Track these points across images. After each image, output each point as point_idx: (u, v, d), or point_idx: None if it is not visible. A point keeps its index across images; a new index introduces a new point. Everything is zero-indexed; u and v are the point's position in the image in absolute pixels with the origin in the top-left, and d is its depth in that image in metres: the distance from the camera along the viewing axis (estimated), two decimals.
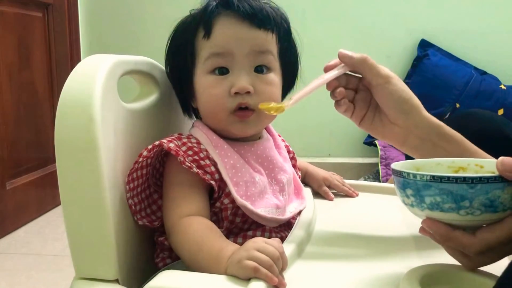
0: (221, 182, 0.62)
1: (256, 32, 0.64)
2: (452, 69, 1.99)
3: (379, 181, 1.85)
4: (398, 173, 0.49)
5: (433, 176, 0.46)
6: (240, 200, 0.61)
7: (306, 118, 2.13)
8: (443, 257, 0.51)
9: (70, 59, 2.04)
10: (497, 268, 0.46)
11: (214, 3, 0.64)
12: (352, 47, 0.64)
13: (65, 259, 1.42)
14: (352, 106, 0.65)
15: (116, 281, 0.56)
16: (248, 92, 0.62)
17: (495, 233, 0.45)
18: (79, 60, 2.04)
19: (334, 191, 0.86)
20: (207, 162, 0.62)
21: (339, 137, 2.17)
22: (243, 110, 0.63)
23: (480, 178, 0.44)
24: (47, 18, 1.94)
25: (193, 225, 0.58)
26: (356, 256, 0.61)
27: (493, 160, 0.52)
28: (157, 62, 0.71)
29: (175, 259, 0.62)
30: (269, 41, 0.65)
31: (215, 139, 0.64)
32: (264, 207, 0.64)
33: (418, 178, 0.47)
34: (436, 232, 0.48)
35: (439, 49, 2.06)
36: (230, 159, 0.63)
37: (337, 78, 0.63)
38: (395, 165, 0.51)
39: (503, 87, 1.97)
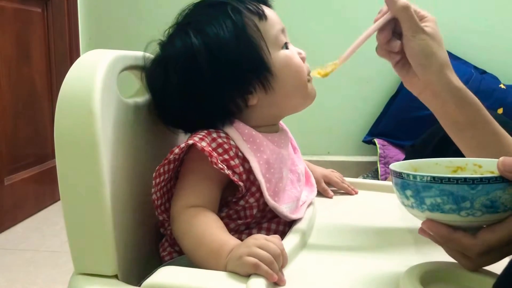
0: (247, 181, 0.62)
1: None
2: None
3: (378, 180, 1.85)
4: (398, 174, 0.48)
5: (434, 177, 0.45)
6: (272, 201, 0.62)
7: (305, 116, 2.10)
8: (443, 255, 0.51)
9: (69, 55, 2.03)
10: (497, 266, 0.46)
11: None
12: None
13: (63, 255, 1.41)
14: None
15: (115, 276, 0.56)
16: None
17: (496, 234, 0.45)
18: (78, 55, 2.04)
19: (334, 188, 0.86)
20: (237, 161, 0.61)
21: (338, 135, 2.16)
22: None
23: (481, 178, 0.44)
24: (46, 13, 1.93)
25: (197, 216, 0.57)
26: (356, 254, 0.61)
27: (491, 159, 0.52)
28: None
29: (182, 253, 0.62)
30: None
31: (247, 132, 0.63)
32: (287, 202, 0.65)
33: (418, 179, 0.46)
34: (437, 233, 0.48)
35: None
36: (263, 153, 0.63)
37: (388, 24, 0.64)
38: (393, 166, 0.51)
39: (502, 86, 1.96)
